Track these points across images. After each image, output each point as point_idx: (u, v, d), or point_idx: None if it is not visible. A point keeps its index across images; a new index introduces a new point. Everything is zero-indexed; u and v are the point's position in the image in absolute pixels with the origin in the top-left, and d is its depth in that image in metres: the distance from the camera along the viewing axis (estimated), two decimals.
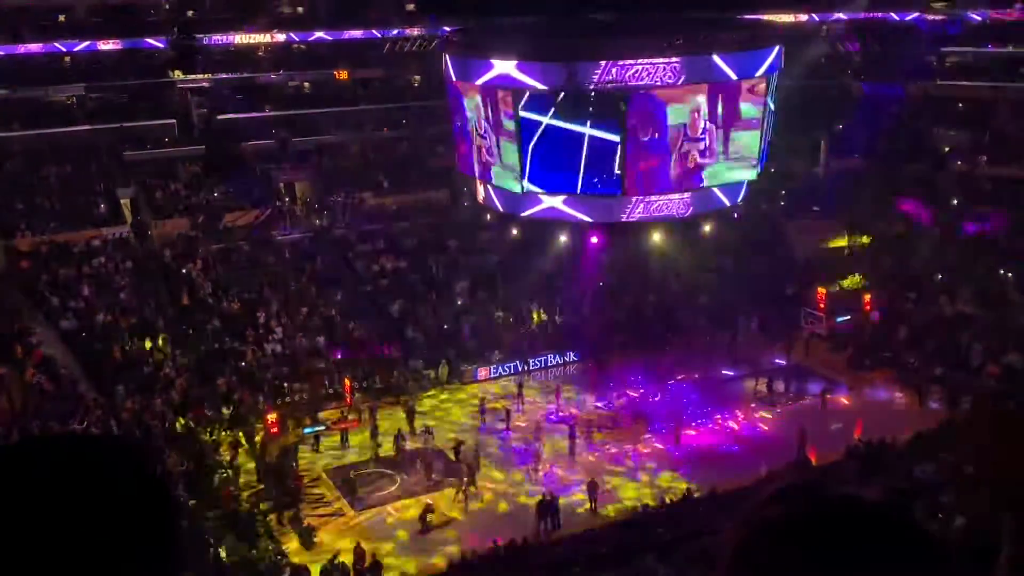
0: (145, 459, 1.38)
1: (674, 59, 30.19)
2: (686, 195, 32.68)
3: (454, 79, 34.03)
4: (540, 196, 32.65)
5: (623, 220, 32.95)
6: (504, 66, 31.23)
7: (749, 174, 33.27)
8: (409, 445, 31.96)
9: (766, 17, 45.23)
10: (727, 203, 34.51)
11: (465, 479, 29.03)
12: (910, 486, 24.73)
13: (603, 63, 29.88)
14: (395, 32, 53.64)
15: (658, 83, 30.28)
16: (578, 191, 31.86)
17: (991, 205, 44.06)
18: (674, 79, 30.31)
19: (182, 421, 32.21)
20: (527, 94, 30.94)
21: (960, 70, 52.23)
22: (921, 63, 50.94)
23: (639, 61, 29.95)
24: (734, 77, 31.14)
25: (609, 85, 29.96)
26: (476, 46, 34.09)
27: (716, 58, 30.76)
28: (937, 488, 23.44)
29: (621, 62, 29.89)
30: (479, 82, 32.30)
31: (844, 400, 35.80)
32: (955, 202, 45.75)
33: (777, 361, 38.73)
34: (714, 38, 31.64)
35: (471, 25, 43.79)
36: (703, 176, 32.29)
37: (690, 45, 30.72)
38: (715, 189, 33.23)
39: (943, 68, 52.41)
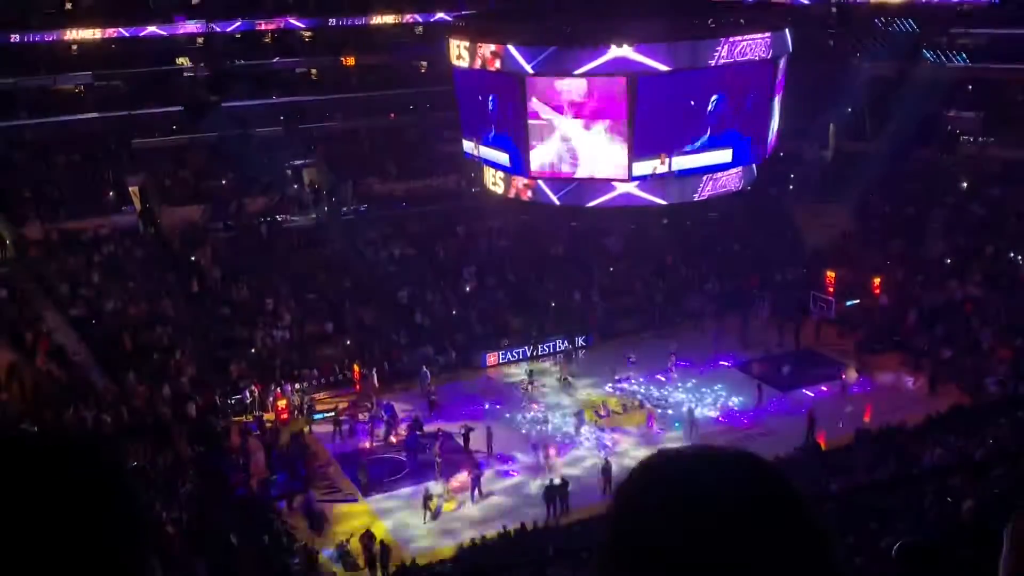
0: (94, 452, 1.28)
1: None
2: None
3: (456, 65, 33.44)
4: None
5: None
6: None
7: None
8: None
9: None
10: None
11: (475, 464, 29.17)
12: (920, 469, 24.70)
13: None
14: (404, 19, 53.36)
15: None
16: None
17: (1000, 187, 43.76)
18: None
19: (192, 408, 32.34)
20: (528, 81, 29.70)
21: (971, 51, 51.70)
22: (931, 44, 50.43)
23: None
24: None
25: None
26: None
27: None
28: (947, 471, 23.38)
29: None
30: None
31: (853, 379, 35.54)
32: (964, 185, 45.46)
33: (786, 345, 38.63)
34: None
35: (477, 11, 43.40)
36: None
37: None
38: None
39: (953, 49, 51.88)
